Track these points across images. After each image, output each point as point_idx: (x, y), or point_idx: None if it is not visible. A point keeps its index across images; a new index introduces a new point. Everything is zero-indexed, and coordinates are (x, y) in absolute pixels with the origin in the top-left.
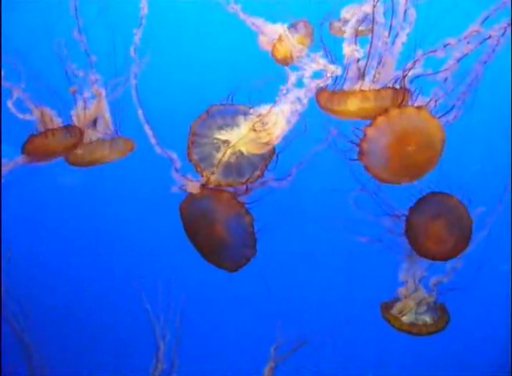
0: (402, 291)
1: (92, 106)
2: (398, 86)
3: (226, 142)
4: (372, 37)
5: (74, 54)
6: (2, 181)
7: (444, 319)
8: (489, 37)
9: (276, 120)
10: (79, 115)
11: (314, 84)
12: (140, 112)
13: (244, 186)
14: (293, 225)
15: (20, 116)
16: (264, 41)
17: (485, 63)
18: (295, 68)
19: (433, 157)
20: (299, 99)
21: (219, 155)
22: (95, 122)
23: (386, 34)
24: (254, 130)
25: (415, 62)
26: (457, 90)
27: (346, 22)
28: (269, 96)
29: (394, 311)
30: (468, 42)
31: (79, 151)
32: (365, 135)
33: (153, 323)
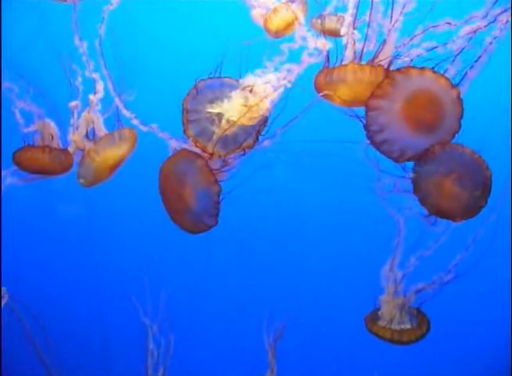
0: (383, 298)
1: (84, 116)
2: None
3: (219, 114)
4: (369, 20)
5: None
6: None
7: (425, 322)
8: (494, 20)
9: (267, 93)
10: (75, 128)
11: (307, 57)
12: (117, 99)
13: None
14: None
15: (23, 129)
16: (258, 15)
17: (495, 38)
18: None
19: (447, 115)
20: (290, 71)
21: (215, 128)
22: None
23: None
24: (246, 106)
25: (412, 38)
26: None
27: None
28: (258, 68)
29: (381, 321)
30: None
31: (81, 180)
32: (376, 108)
33: (146, 330)
